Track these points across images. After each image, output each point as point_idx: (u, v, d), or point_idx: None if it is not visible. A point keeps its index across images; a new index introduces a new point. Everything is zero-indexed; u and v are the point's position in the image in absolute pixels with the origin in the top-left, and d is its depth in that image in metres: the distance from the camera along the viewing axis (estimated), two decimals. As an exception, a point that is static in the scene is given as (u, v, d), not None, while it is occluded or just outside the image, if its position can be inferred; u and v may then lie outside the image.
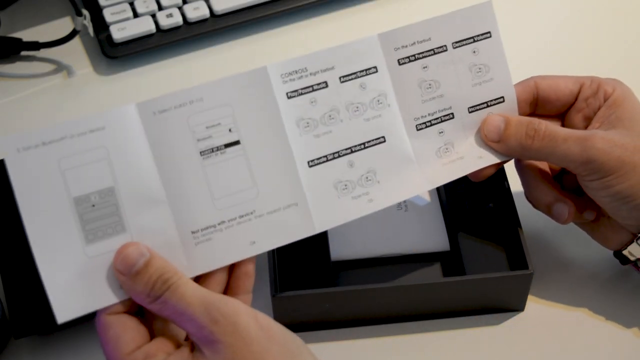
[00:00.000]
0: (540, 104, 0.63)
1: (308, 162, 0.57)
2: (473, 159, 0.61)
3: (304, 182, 0.56)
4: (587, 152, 0.57)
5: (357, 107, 0.58)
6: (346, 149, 0.58)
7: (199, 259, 0.53)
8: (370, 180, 0.58)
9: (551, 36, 0.84)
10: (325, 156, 0.57)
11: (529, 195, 0.63)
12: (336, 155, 0.57)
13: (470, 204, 0.67)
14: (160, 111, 0.53)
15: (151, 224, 0.52)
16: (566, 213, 0.60)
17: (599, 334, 0.63)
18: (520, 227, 0.62)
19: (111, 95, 0.79)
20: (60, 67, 0.81)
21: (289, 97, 0.56)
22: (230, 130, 0.55)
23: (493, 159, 0.61)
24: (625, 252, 0.61)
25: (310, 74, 0.57)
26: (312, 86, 0.57)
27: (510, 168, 0.65)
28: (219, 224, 0.54)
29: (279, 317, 0.60)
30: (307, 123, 0.57)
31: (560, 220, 0.61)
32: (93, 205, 0.51)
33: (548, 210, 0.61)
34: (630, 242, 0.61)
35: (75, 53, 0.82)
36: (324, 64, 0.57)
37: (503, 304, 0.63)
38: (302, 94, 0.57)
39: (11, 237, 0.63)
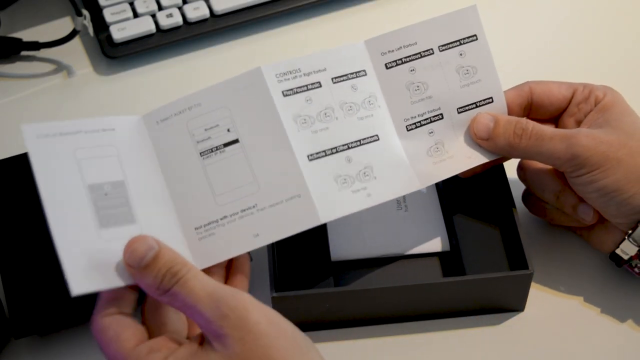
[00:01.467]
0: (534, 109, 0.64)
1: (308, 156, 0.57)
2: (463, 158, 0.62)
3: (305, 174, 0.57)
4: (572, 149, 0.58)
5: (350, 107, 0.59)
6: (343, 145, 0.59)
7: (203, 253, 0.55)
8: (367, 175, 0.59)
9: (551, 36, 0.84)
10: (324, 151, 0.58)
11: (552, 199, 0.63)
12: (334, 150, 0.58)
13: (470, 204, 0.67)
14: (162, 120, 0.57)
15: (156, 222, 0.54)
16: (591, 211, 0.61)
17: (599, 333, 0.63)
18: (520, 227, 0.62)
19: (111, 95, 0.79)
20: (60, 67, 0.81)
21: (284, 95, 0.58)
22: (228, 130, 0.57)
23: (482, 158, 0.62)
24: (618, 252, 0.62)
25: (304, 74, 0.59)
26: (306, 85, 0.59)
27: (510, 169, 0.66)
28: (221, 219, 0.56)
29: (279, 317, 0.60)
30: (304, 120, 0.58)
31: (587, 219, 0.62)
32: (106, 194, 0.52)
33: (574, 211, 0.62)
34: (623, 241, 0.61)
35: (75, 53, 0.82)
36: (316, 65, 0.59)
37: (503, 304, 0.63)
38: (297, 92, 0.58)
39: (11, 238, 0.63)
